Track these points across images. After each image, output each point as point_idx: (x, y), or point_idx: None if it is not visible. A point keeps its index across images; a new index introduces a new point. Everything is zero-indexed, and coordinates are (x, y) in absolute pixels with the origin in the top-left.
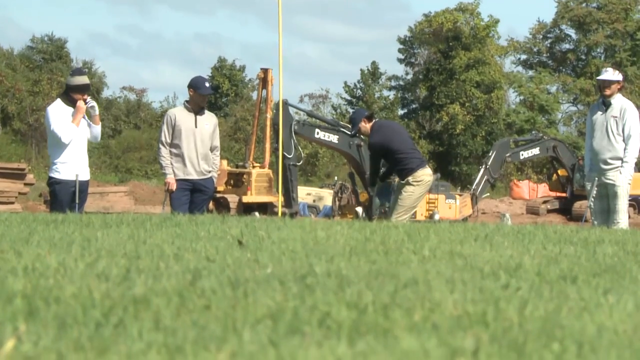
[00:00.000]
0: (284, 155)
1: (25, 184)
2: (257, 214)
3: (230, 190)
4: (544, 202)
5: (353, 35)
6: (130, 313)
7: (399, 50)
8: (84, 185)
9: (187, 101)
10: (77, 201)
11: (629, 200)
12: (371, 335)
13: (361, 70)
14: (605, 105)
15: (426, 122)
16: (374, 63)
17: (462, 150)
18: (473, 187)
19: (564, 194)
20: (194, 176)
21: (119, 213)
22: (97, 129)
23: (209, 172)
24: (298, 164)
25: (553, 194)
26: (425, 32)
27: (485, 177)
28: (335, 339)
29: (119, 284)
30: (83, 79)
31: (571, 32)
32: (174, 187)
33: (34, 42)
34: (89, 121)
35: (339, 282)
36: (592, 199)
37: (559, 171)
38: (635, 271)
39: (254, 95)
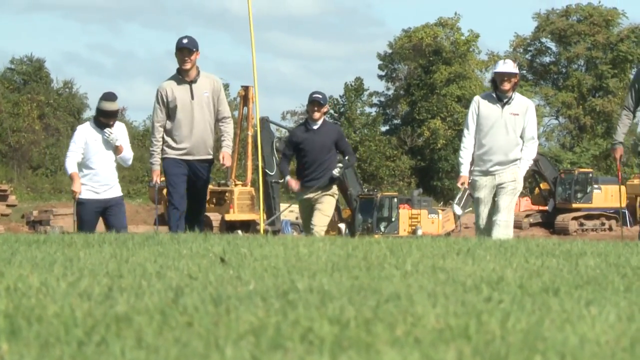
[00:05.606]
0: (265, 173)
1: (8, 206)
2: (240, 232)
3: (213, 208)
4: (527, 215)
5: (326, 51)
6: (113, 331)
7: (379, 67)
8: (113, 200)
9: (177, 70)
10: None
11: (611, 213)
12: (353, 350)
13: (345, 84)
14: (501, 100)
15: (408, 137)
16: (358, 79)
17: (444, 165)
18: (455, 201)
19: (545, 208)
20: (188, 157)
21: (101, 233)
22: (124, 155)
23: (212, 151)
24: (280, 181)
25: (535, 207)
26: (405, 47)
27: (468, 191)
28: (317, 354)
29: (101, 302)
30: (108, 105)
31: (551, 45)
32: (158, 180)
33: (14, 63)
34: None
35: (321, 297)
36: (479, 204)
37: (541, 185)
38: (617, 283)
39: (236, 113)
